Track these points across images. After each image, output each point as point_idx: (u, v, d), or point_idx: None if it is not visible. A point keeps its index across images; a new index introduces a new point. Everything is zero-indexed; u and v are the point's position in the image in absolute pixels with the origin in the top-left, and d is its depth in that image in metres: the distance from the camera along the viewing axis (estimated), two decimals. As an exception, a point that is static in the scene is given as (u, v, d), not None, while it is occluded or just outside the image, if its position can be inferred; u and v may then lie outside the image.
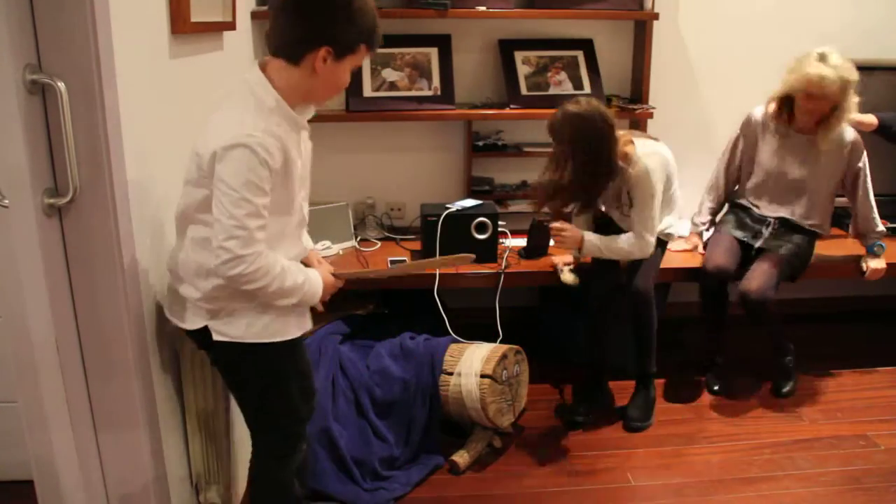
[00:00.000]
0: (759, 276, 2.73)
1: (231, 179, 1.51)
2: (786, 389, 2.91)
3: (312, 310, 1.87)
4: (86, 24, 1.47)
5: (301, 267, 1.72)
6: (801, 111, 2.76)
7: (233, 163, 1.51)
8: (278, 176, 1.59)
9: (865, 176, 2.87)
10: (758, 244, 2.87)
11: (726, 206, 3.11)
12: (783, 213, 2.91)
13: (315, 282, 1.73)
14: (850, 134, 2.82)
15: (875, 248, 2.93)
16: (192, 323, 1.72)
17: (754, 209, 2.95)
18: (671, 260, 2.97)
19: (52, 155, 1.51)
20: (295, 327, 1.77)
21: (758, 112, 2.94)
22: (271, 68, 1.61)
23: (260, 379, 1.77)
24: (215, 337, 1.70)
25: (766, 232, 2.89)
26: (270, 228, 1.61)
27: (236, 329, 1.69)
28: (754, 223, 2.93)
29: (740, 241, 2.91)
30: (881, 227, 2.93)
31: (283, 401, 1.81)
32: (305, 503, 2.12)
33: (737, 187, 3.07)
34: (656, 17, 3.08)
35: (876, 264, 2.91)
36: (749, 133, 2.96)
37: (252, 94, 1.59)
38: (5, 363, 1.65)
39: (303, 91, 1.63)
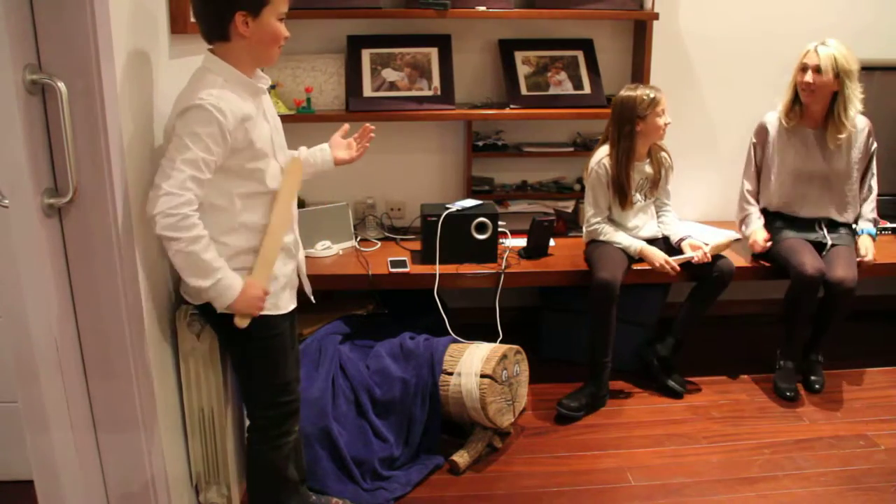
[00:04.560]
0: (843, 265, 2.79)
1: (179, 131, 1.64)
2: (790, 394, 2.91)
3: (312, 309, 1.91)
4: (86, 24, 1.47)
5: (226, 266, 1.72)
6: (802, 90, 2.85)
7: (184, 120, 1.64)
8: (237, 138, 1.69)
9: (874, 159, 2.96)
10: (830, 242, 2.92)
11: (764, 216, 3.09)
12: (821, 213, 2.97)
13: (230, 284, 1.71)
14: (862, 121, 2.91)
15: (869, 233, 2.96)
16: (198, 298, 1.81)
17: (795, 214, 2.99)
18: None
19: (52, 155, 1.51)
20: (287, 301, 1.91)
21: (769, 117, 3.00)
22: (217, 51, 1.74)
23: (258, 350, 1.88)
24: (219, 310, 1.78)
25: (823, 230, 2.96)
26: (241, 190, 1.74)
27: None
28: (806, 225, 2.98)
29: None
30: (874, 213, 3.01)
31: (280, 374, 1.92)
32: (302, 487, 2.14)
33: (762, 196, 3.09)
34: (656, 17, 3.08)
35: (871, 249, 2.91)
36: (764, 138, 3.01)
37: (206, 71, 1.72)
38: (5, 363, 1.65)
39: (248, 59, 1.75)
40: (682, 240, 2.86)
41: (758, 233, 2.98)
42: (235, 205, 1.75)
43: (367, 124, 2.19)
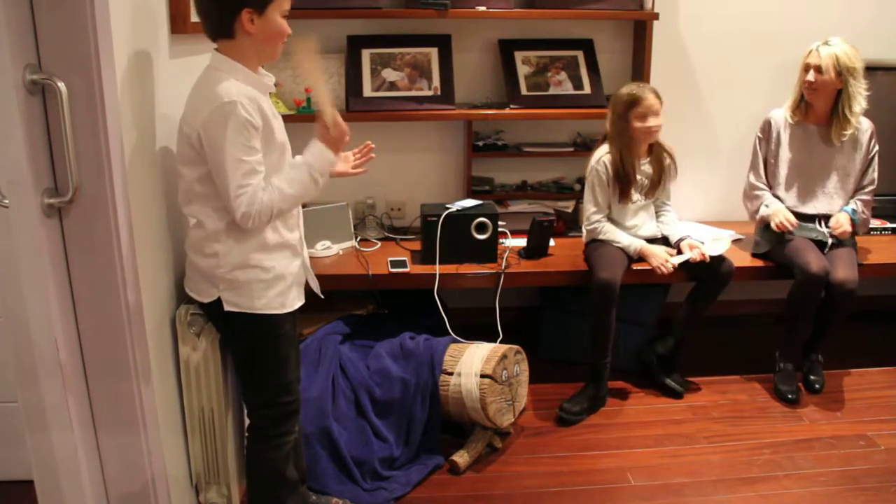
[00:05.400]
0: (845, 266, 2.80)
1: (222, 144, 1.65)
2: (791, 396, 2.90)
3: (312, 309, 1.91)
4: (86, 24, 1.47)
5: (291, 162, 1.84)
6: (805, 89, 2.87)
7: (219, 129, 1.64)
8: (263, 135, 1.71)
9: (874, 162, 2.96)
10: (831, 241, 2.91)
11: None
12: (821, 210, 2.97)
13: (315, 155, 1.81)
14: (866, 122, 2.93)
15: (847, 211, 2.93)
16: (207, 295, 1.83)
17: (797, 210, 2.98)
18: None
19: (52, 155, 1.51)
20: (294, 299, 1.91)
21: (775, 113, 3.01)
22: (222, 50, 1.74)
23: (263, 349, 1.88)
24: (227, 307, 1.80)
25: (824, 228, 2.95)
26: None
27: (247, 300, 1.81)
28: (807, 222, 2.97)
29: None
30: (862, 207, 2.98)
31: (282, 374, 1.92)
32: (302, 487, 2.14)
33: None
34: (656, 17, 3.07)
35: (845, 225, 2.87)
36: (768, 134, 3.01)
37: (218, 70, 1.72)
38: (5, 363, 1.65)
39: (253, 56, 1.76)
40: (681, 240, 2.86)
41: (782, 211, 2.92)
42: None
43: (368, 142, 2.19)
